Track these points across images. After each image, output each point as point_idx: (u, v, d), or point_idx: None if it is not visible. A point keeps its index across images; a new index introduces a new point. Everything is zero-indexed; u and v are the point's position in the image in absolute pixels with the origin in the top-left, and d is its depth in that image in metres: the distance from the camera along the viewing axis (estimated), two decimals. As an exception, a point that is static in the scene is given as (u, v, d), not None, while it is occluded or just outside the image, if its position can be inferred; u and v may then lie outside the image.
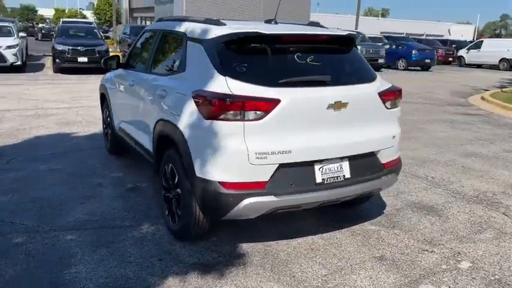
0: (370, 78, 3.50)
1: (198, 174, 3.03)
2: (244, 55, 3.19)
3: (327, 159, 3.18)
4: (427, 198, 4.62)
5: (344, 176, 3.26)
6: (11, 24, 16.15)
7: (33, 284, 2.87)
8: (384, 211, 4.22)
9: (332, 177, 3.21)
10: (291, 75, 3.15)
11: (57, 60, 15.19)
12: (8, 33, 15.24)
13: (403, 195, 4.65)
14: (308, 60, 3.27)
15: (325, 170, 3.18)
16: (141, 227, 3.70)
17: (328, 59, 3.53)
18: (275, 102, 2.95)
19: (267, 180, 2.98)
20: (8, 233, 3.52)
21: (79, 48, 15.18)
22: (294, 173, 3.07)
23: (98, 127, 6.99)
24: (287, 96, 3.00)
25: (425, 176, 5.32)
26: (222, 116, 2.89)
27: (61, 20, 25.78)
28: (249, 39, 3.17)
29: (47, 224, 3.68)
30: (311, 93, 3.12)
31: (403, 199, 4.55)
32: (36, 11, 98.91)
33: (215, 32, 3.27)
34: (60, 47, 15.13)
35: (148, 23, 37.06)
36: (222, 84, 2.97)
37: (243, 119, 2.90)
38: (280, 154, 2.98)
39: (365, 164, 3.40)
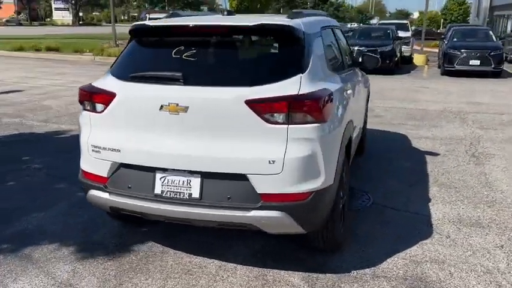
0: (270, 80, 2.63)
1: None
2: (133, 48, 3.09)
3: (172, 170, 2.71)
4: None
5: (190, 194, 2.67)
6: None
7: None
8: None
9: (174, 192, 2.70)
10: (146, 69, 2.85)
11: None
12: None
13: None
14: (186, 54, 2.81)
15: (168, 181, 2.72)
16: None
17: (215, 54, 2.88)
18: (111, 95, 2.79)
19: (108, 176, 2.87)
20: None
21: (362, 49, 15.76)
22: (134, 177, 2.81)
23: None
24: (123, 90, 2.77)
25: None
26: (83, 106, 3.01)
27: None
28: (138, 31, 3.06)
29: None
30: (147, 91, 2.72)
31: None
32: (409, 15, 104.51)
33: None
34: (347, 48, 16.21)
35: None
36: (102, 78, 3.05)
37: (91, 110, 2.92)
38: (110, 151, 2.81)
39: (228, 187, 2.64)
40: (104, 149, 2.83)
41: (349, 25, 28.75)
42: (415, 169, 5.21)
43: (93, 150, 2.88)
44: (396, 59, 16.64)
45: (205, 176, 2.65)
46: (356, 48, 15.81)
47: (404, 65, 17.91)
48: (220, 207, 2.62)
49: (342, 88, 3.28)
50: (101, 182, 2.90)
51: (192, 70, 2.77)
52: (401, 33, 19.70)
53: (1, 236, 3.47)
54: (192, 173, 2.67)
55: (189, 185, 2.67)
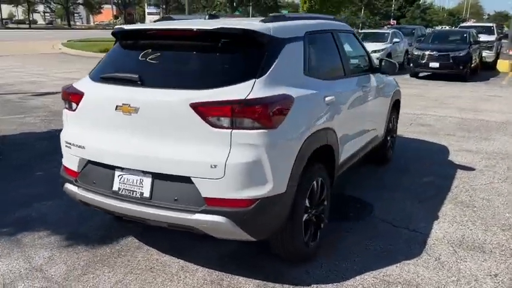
0: (221, 84, 2.62)
1: None
2: (112, 51, 3.23)
3: (128, 169, 2.80)
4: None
5: (142, 193, 2.74)
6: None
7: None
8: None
9: (128, 190, 2.79)
10: (113, 71, 2.96)
11: (411, 64, 15.64)
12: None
13: None
14: (149, 57, 2.89)
15: (124, 179, 2.81)
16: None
17: (173, 57, 2.91)
18: (81, 95, 2.96)
19: (78, 171, 3.05)
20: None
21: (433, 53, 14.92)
22: (98, 173, 2.94)
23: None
24: (89, 90, 2.93)
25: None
26: (64, 104, 3.21)
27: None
28: (117, 35, 3.20)
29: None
30: (106, 91, 2.85)
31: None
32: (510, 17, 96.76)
33: None
34: (417, 52, 15.44)
35: None
36: (83, 79, 3.24)
37: (67, 108, 3.12)
38: (77, 148, 2.98)
39: (175, 189, 2.67)
40: (73, 145, 3.01)
41: (427, 30, 27.22)
42: (436, 184, 4.83)
43: (66, 146, 3.08)
44: (473, 64, 15.51)
45: (155, 176, 2.71)
46: (427, 52, 15.05)
47: (485, 72, 16.61)
48: (168, 208, 2.66)
49: (321, 95, 3.16)
50: (73, 176, 3.08)
51: (149, 72, 2.85)
52: (484, 37, 18.36)
53: (7, 220, 3.81)
54: (144, 173, 2.74)
55: (141, 185, 2.75)
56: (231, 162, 2.51)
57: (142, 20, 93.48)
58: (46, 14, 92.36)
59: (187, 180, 2.60)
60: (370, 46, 16.22)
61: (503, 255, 3.34)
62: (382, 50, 16.10)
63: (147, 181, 2.73)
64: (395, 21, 45.91)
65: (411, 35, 21.98)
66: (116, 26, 3.30)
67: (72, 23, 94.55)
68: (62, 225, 3.73)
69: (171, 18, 3.64)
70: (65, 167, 3.17)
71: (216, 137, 2.53)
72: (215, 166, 2.52)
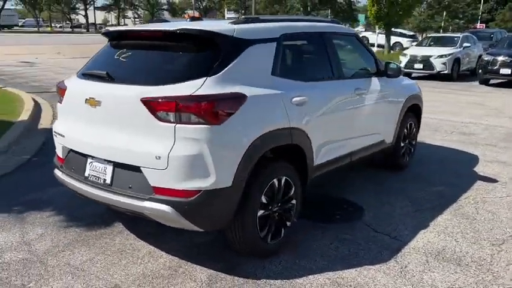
0: (181, 79, 2.79)
1: None
2: (101, 50, 3.54)
3: (95, 157, 3.08)
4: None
5: (105, 180, 3.00)
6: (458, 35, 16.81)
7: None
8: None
9: (95, 177, 3.06)
10: (92, 68, 3.26)
11: (480, 71, 14.66)
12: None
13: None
14: (122, 56, 3.16)
15: (93, 166, 3.09)
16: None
17: (140, 56, 3.13)
18: (64, 89, 3.30)
19: (64, 158, 3.40)
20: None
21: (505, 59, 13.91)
22: (76, 160, 3.26)
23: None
24: (70, 85, 3.25)
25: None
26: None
27: None
28: (105, 35, 3.50)
29: None
30: (80, 86, 3.16)
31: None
32: None
33: None
34: (487, 57, 14.48)
35: None
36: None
37: (59, 101, 3.49)
38: (61, 137, 3.31)
39: (130, 177, 2.88)
40: (58, 134, 3.36)
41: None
42: (444, 194, 4.61)
43: (54, 135, 3.44)
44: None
45: (115, 165, 2.95)
46: (499, 58, 14.06)
47: None
48: (124, 194, 2.90)
49: (288, 95, 3.22)
50: (60, 163, 3.44)
51: (117, 69, 3.12)
52: None
53: (22, 200, 4.29)
54: (107, 161, 3.00)
55: (105, 172, 3.01)
56: (173, 154, 2.68)
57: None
58: (135, 20, 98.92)
59: (138, 169, 2.82)
60: (436, 51, 15.54)
61: (477, 270, 3.15)
62: (449, 55, 15.31)
63: (109, 169, 2.99)
64: (483, 25, 42.92)
65: (489, 39, 20.58)
66: (107, 27, 3.62)
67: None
68: (65, 209, 4.12)
69: (164, 21, 3.89)
70: (56, 154, 3.53)
71: (161, 130, 2.72)
72: (159, 157, 2.71)
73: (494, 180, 5.07)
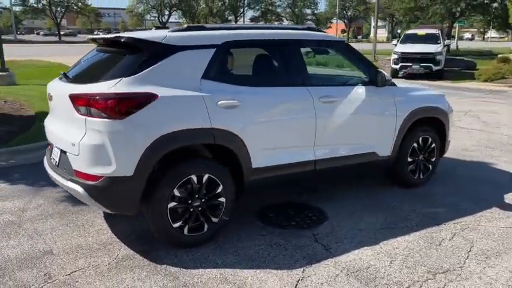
0: (104, 79, 3.24)
1: None
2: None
3: (55, 144, 3.69)
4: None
5: (56, 162, 3.59)
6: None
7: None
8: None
9: (54, 160, 3.67)
10: (72, 69, 3.88)
11: None
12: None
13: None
14: (85, 58, 3.75)
15: (55, 152, 3.68)
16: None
17: (92, 59, 3.61)
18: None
19: (48, 145, 4.13)
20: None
21: None
22: (50, 148, 3.94)
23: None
24: (51, 84, 3.93)
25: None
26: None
27: None
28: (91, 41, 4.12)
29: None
30: (50, 84, 3.77)
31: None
32: None
33: None
34: None
35: None
36: None
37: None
38: (44, 129, 4.02)
39: (64, 161, 3.41)
40: (44, 126, 4.08)
41: None
42: (435, 217, 4.19)
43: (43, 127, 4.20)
44: None
45: (61, 151, 3.54)
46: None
47: None
48: (61, 175, 3.47)
49: (213, 98, 3.42)
50: (48, 150, 4.17)
51: (76, 70, 3.71)
52: None
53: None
54: (58, 147, 3.61)
55: (57, 155, 3.63)
56: (83, 142, 3.15)
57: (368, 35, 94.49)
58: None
59: (65, 153, 3.36)
60: None
61: (379, 292, 2.94)
62: None
63: (58, 153, 3.59)
64: None
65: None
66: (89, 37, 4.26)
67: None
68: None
69: (163, 28, 4.45)
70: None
71: (78, 122, 3.21)
72: (74, 145, 3.21)
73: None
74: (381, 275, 3.17)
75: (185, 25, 3.83)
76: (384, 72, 4.32)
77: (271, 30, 4.13)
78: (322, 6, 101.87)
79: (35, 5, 57.20)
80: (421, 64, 17.48)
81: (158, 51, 3.36)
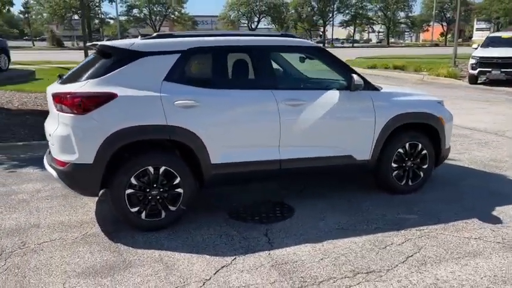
0: (79, 80, 3.80)
1: None
2: None
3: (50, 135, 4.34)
4: None
5: (49, 151, 4.24)
6: None
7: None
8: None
9: (48, 152, 4.33)
10: (68, 72, 4.52)
11: None
12: None
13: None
14: (82, 63, 4.36)
15: (50, 142, 4.36)
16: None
17: (85, 64, 4.16)
18: None
19: None
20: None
21: None
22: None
23: None
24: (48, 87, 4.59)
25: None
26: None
27: None
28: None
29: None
30: (49, 86, 4.41)
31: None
32: None
33: None
34: None
35: None
36: None
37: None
38: None
39: (50, 150, 4.05)
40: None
41: None
42: (400, 221, 4.18)
43: None
44: None
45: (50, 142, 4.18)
46: None
47: None
48: (48, 163, 4.11)
49: (171, 98, 3.80)
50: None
51: (68, 73, 4.31)
52: None
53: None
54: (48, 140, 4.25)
55: (49, 147, 4.27)
56: (55, 134, 3.75)
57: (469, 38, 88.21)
58: (378, 33, 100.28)
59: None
60: None
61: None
62: None
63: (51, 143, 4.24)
64: None
65: None
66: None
67: (401, 41, 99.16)
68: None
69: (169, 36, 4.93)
70: None
71: (55, 117, 3.81)
72: (50, 135, 3.81)
73: (498, 221, 4.19)
74: (302, 269, 3.32)
75: (155, 33, 4.28)
76: (356, 77, 4.37)
77: (238, 37, 4.41)
78: (417, 9, 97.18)
79: (138, 15, 62.41)
80: (502, 70, 16.11)
81: (125, 57, 3.84)
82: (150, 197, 3.88)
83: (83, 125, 3.66)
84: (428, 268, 3.33)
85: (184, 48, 3.98)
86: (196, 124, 3.89)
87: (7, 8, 9.67)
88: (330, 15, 71.34)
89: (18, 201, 4.74)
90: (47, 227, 4.08)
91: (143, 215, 3.90)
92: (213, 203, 4.64)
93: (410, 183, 4.90)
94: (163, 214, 3.94)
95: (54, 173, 3.83)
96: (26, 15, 67.41)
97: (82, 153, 3.66)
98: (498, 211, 4.42)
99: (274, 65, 4.61)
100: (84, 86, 3.70)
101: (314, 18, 70.58)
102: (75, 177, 3.75)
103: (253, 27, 68.96)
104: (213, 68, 4.28)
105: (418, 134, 4.85)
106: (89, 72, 3.89)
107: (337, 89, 4.45)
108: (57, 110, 3.78)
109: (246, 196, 4.82)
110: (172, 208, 3.96)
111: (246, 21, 70.74)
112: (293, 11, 70.59)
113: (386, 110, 4.61)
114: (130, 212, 3.86)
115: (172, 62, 3.92)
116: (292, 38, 4.55)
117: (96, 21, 61.44)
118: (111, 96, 3.68)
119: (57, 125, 3.76)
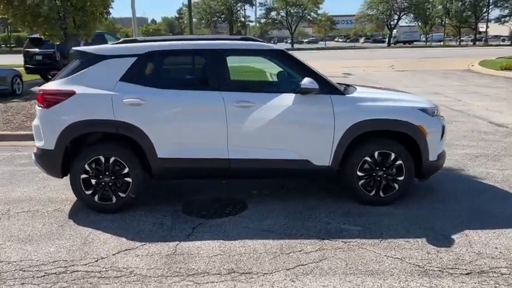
0: (56, 79, 4.53)
1: None
2: None
3: None
4: None
5: (47, 137, 5.09)
6: None
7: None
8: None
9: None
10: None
11: None
12: None
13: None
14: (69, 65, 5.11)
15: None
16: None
17: (69, 65, 4.82)
18: None
19: None
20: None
21: None
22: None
23: None
24: None
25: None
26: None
27: None
28: None
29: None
30: None
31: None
32: None
33: None
34: None
35: None
36: None
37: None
38: None
39: (38, 137, 4.87)
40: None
41: None
42: (337, 232, 4.01)
43: None
44: None
45: None
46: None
47: None
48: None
49: (120, 96, 4.28)
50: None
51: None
52: None
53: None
54: None
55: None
56: (33, 123, 4.54)
57: None
58: None
59: None
60: None
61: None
62: None
63: (36, 132, 5.07)
64: None
65: None
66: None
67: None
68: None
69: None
70: None
71: (40, 114, 4.60)
72: (32, 126, 4.63)
73: (446, 245, 3.75)
74: (189, 261, 3.49)
75: (121, 39, 4.78)
76: (307, 80, 4.26)
77: (196, 41, 4.64)
78: None
79: (275, 17, 64.88)
80: None
81: (90, 60, 4.43)
82: (102, 183, 4.42)
83: (47, 117, 4.36)
84: (306, 279, 3.21)
85: (141, 52, 4.42)
86: (141, 120, 4.30)
87: (105, 16, 11.27)
88: (484, 9, 64.23)
89: (39, 179, 5.71)
90: (35, 201, 4.91)
91: (96, 198, 4.45)
92: (171, 196, 4.96)
93: (381, 194, 4.57)
94: (114, 199, 4.45)
95: (32, 156, 4.63)
96: (180, 20, 75.26)
97: (46, 140, 4.37)
98: (460, 234, 3.91)
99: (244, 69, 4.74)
100: (52, 84, 4.40)
101: (464, 14, 64.21)
102: (43, 160, 4.48)
103: (391, 25, 65.93)
104: (165, 70, 4.64)
105: (392, 143, 4.50)
106: (64, 72, 4.59)
107: (292, 92, 4.41)
108: (37, 104, 4.55)
109: (211, 193, 5.04)
110: (122, 195, 4.44)
111: (385, 19, 67.92)
112: (440, 7, 65.34)
113: (348, 116, 4.40)
114: (84, 194, 4.45)
115: (129, 64, 4.38)
116: (250, 42, 4.64)
117: (238, 24, 65.53)
118: (70, 94, 4.31)
119: (36, 116, 4.54)
